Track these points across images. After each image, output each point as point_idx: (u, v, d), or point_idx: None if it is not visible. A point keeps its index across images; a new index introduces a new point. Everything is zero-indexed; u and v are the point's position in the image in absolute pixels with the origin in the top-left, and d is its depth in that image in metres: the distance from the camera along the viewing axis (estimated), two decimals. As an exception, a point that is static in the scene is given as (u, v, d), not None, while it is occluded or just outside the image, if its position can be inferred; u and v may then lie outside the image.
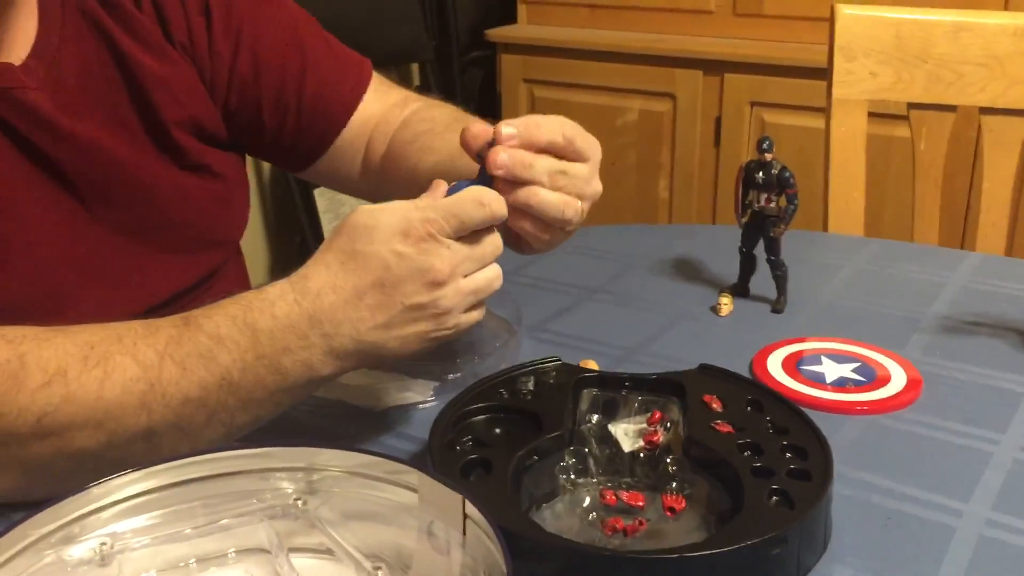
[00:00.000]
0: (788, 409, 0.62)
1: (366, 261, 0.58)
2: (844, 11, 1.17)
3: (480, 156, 0.65)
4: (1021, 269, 0.98)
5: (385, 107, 0.90)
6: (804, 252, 1.01)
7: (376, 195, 0.90)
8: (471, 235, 0.61)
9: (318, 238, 2.07)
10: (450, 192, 0.63)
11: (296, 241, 2.19)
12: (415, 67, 2.59)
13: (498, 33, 2.41)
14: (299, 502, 0.52)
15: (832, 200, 1.19)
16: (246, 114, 0.83)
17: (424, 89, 2.48)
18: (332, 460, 0.52)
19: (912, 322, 0.86)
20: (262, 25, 0.82)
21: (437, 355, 0.79)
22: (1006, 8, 1.82)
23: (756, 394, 0.64)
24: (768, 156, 0.86)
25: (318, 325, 0.57)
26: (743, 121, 2.09)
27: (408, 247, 0.58)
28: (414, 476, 0.50)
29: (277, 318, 0.57)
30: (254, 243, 2.23)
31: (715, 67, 2.11)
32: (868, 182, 1.22)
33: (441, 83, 2.53)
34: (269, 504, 0.51)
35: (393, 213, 0.59)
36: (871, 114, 1.20)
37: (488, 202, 0.61)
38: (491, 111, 2.48)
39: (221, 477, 0.51)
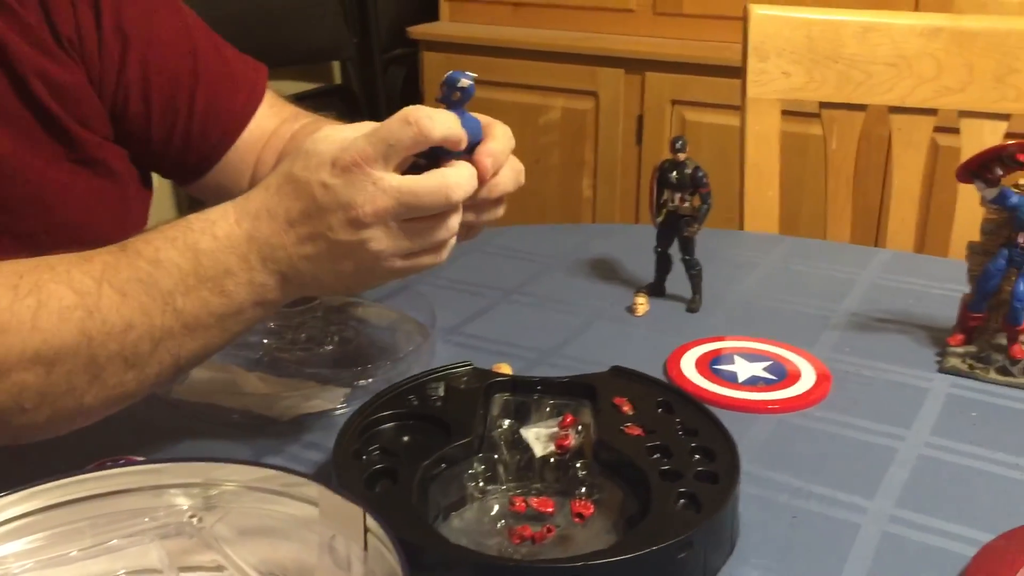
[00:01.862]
0: (698, 410, 0.62)
1: (296, 188, 0.56)
2: (756, 11, 1.18)
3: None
4: (929, 265, 1.01)
5: (277, 122, 0.87)
6: (719, 251, 1.02)
7: None
8: (414, 174, 0.56)
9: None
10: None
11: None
12: (336, 65, 2.56)
13: (420, 31, 2.39)
14: (194, 519, 0.50)
15: (747, 198, 1.20)
16: (133, 121, 0.79)
17: (346, 88, 2.46)
18: (229, 474, 0.50)
19: (823, 319, 0.87)
20: (154, 30, 0.79)
21: (346, 360, 0.78)
22: (916, 9, 1.87)
23: (667, 396, 0.64)
24: (681, 156, 0.86)
25: (256, 248, 0.56)
26: (664, 119, 2.11)
27: (334, 178, 0.55)
28: (314, 489, 0.48)
29: (218, 239, 0.56)
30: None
31: (636, 66, 2.13)
32: (786, 180, 1.24)
33: (363, 81, 2.50)
34: (162, 522, 0.50)
35: (332, 142, 0.56)
36: (790, 112, 1.22)
37: (415, 120, 0.55)
38: (414, 109, 2.46)
39: (111, 495, 0.49)
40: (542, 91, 2.25)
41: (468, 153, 0.60)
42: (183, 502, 0.50)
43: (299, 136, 0.85)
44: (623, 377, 0.67)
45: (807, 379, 0.76)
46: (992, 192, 0.74)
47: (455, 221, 0.58)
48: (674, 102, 2.10)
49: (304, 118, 0.88)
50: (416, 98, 2.44)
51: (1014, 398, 0.73)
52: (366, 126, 0.58)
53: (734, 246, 1.05)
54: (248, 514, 0.50)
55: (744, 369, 0.77)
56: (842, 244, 1.18)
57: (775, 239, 1.08)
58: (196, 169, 0.85)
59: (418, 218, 0.56)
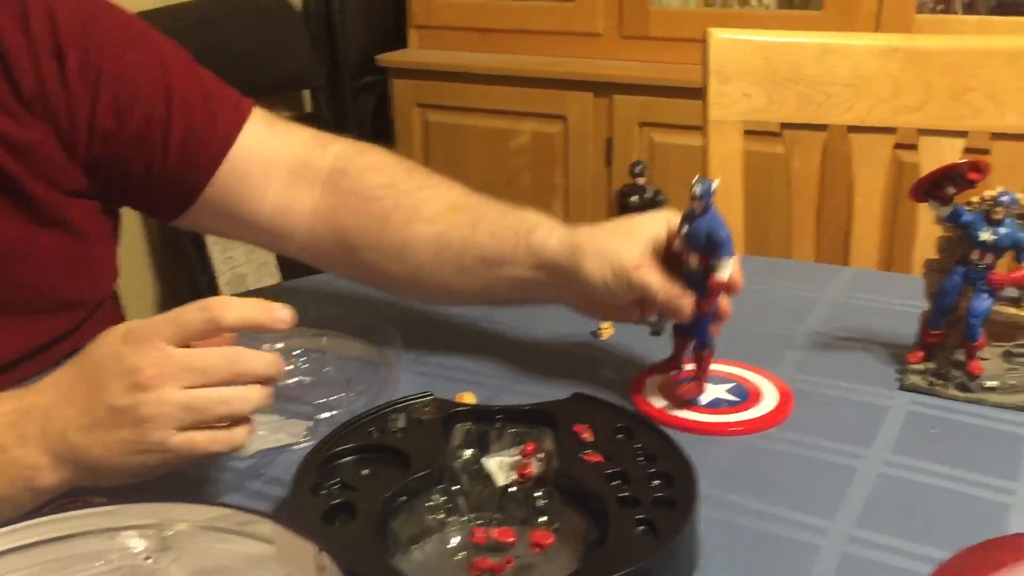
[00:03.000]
0: (657, 435, 0.63)
1: (84, 359, 0.58)
2: (716, 35, 1.20)
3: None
4: (891, 282, 1.02)
5: (283, 144, 0.85)
6: (684, 273, 1.02)
7: (313, 251, 0.86)
8: (204, 346, 0.59)
9: (207, 272, 2.01)
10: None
11: (184, 277, 2.13)
12: (306, 94, 2.56)
13: (389, 58, 2.40)
14: (149, 560, 0.50)
15: (713, 203, 1.21)
16: (110, 165, 0.79)
17: (316, 116, 2.46)
18: (183, 514, 0.50)
19: (786, 339, 0.87)
20: (125, 66, 0.78)
21: (309, 393, 0.78)
22: (877, 30, 1.90)
23: (627, 421, 0.65)
24: (641, 180, 0.87)
25: (35, 420, 0.56)
26: (633, 141, 2.13)
27: (123, 347, 0.57)
28: (268, 527, 0.48)
29: (1, 415, 0.57)
30: (141, 280, 2.16)
31: (605, 89, 2.15)
32: (753, 200, 1.25)
33: (333, 109, 2.51)
34: (116, 565, 0.49)
35: (134, 321, 0.59)
36: (756, 132, 1.24)
37: (210, 307, 0.58)
38: (384, 136, 2.47)
39: (63, 539, 0.49)
40: (512, 116, 2.27)
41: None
42: (137, 544, 0.50)
43: (351, 173, 0.83)
44: (584, 403, 0.67)
45: (770, 400, 0.76)
46: (945, 210, 0.75)
47: (241, 401, 0.59)
48: (642, 124, 2.12)
49: (334, 143, 0.86)
50: (387, 125, 2.44)
51: (973, 414, 0.73)
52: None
53: (699, 268, 1.05)
54: (203, 554, 0.49)
55: (707, 391, 0.77)
56: (806, 263, 1.19)
57: (739, 260, 1.08)
58: (181, 201, 0.83)
59: (204, 388, 0.57)
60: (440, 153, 2.36)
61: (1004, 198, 0.72)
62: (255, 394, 0.60)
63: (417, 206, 0.81)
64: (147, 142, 0.79)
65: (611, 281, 0.73)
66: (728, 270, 0.70)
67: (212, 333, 0.59)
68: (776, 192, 1.72)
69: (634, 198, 0.87)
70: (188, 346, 0.58)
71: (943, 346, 0.78)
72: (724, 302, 0.73)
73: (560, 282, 0.76)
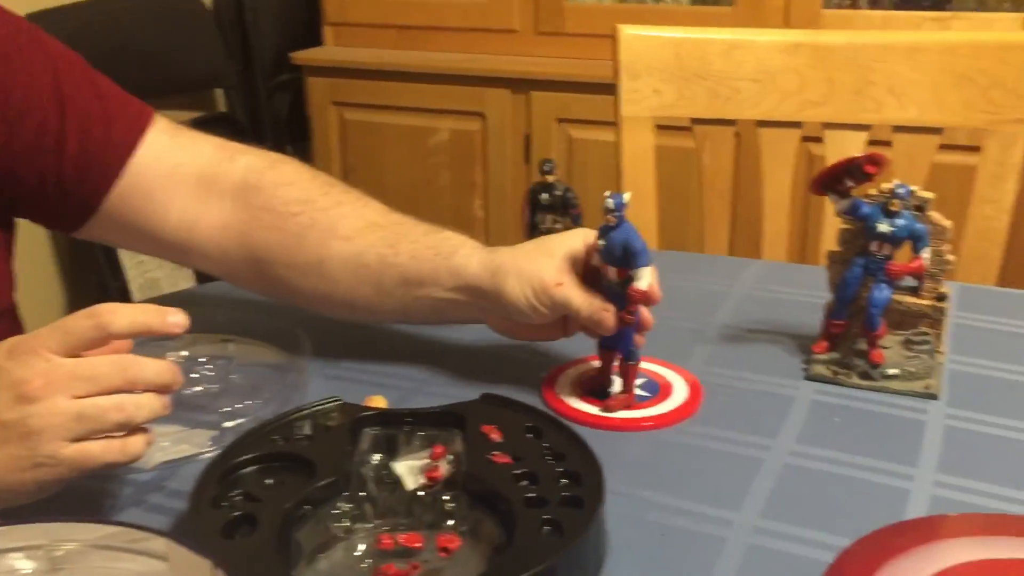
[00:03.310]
0: (566, 434, 0.63)
1: None
2: (626, 32, 1.21)
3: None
4: (799, 274, 1.04)
5: (189, 156, 0.82)
6: (597, 269, 1.03)
7: (223, 267, 0.84)
8: (94, 355, 0.58)
9: (118, 278, 1.96)
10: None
11: (94, 283, 2.07)
12: (220, 93, 2.51)
13: (304, 56, 2.37)
14: (37, 583, 0.48)
15: (626, 215, 1.22)
16: (1, 177, 0.76)
17: (230, 116, 2.41)
18: (73, 533, 0.48)
19: (696, 333, 0.89)
20: (14, 74, 0.75)
21: (215, 401, 0.76)
22: (786, 25, 1.94)
23: (536, 420, 0.64)
24: (551, 178, 0.87)
25: None
26: (551, 138, 2.14)
27: (7, 361, 0.55)
28: (161, 543, 0.47)
29: None
30: (47, 288, 2.10)
31: (522, 85, 2.15)
32: (668, 195, 1.26)
33: (248, 108, 2.47)
34: (2, 589, 0.47)
35: (17, 336, 0.57)
36: (669, 127, 1.25)
37: (97, 313, 0.57)
38: (301, 135, 2.43)
39: (-56, 565, 0.46)
40: (429, 113, 2.26)
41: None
42: (26, 565, 0.48)
43: (263, 187, 0.81)
44: (494, 404, 0.67)
45: (679, 394, 0.77)
46: (844, 204, 0.77)
47: (135, 407, 0.58)
48: (560, 120, 2.13)
49: (244, 154, 0.84)
50: (303, 123, 2.41)
51: (875, 401, 0.75)
52: None
53: (612, 263, 1.06)
54: (94, 574, 0.48)
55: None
56: (717, 257, 1.21)
57: (653, 254, 1.09)
58: (79, 214, 0.81)
59: (96, 397, 0.56)
60: (358, 152, 2.33)
61: (900, 191, 0.74)
62: (150, 401, 0.58)
63: (334, 223, 0.80)
64: (40, 153, 0.76)
65: (534, 301, 0.73)
66: (647, 279, 0.72)
67: (102, 341, 0.57)
68: (691, 187, 1.74)
69: (544, 196, 0.88)
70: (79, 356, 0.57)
71: (846, 336, 0.80)
72: (644, 312, 0.75)
73: (481, 303, 0.77)
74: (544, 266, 0.74)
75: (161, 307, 0.61)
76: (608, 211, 0.70)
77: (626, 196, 0.71)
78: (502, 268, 0.75)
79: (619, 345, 0.75)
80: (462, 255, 0.77)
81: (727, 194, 1.27)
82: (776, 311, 0.93)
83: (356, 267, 0.79)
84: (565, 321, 0.78)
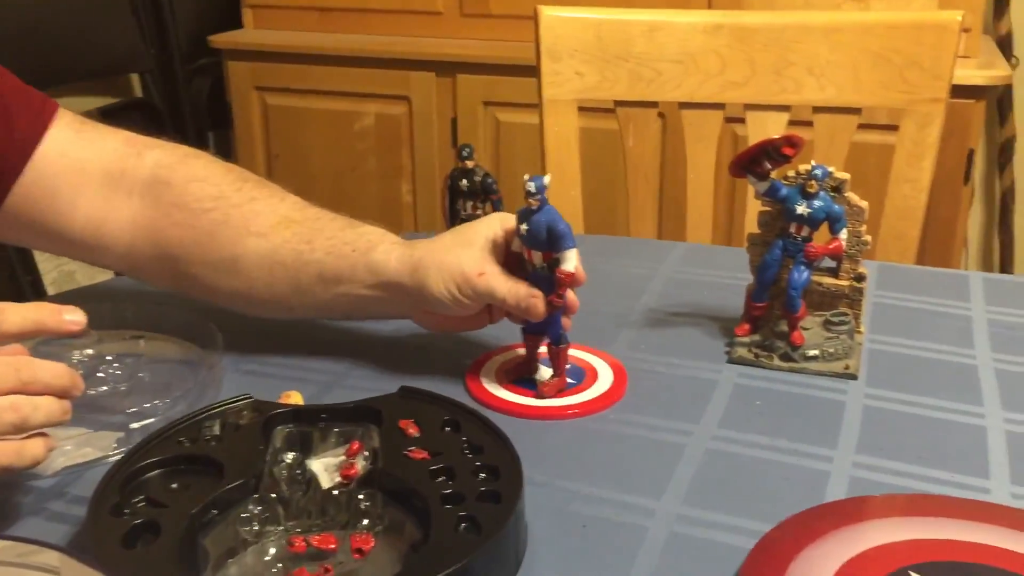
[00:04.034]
0: (484, 426, 0.61)
1: None
2: (547, 13, 1.19)
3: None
4: (722, 256, 1.04)
5: (94, 151, 0.79)
6: (521, 255, 1.01)
7: (134, 265, 0.81)
8: None
9: (30, 272, 1.89)
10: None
11: (4, 278, 1.99)
12: (136, 79, 2.43)
13: (223, 39, 2.30)
14: (-82, 605, 0.45)
15: (550, 200, 1.21)
16: None
17: (147, 101, 2.34)
18: (-43, 550, 0.45)
19: (621, 317, 0.88)
20: None
21: (121, 401, 0.73)
22: (710, 6, 1.94)
23: (453, 413, 0.63)
24: (469, 163, 0.85)
25: None
26: (478, 121, 2.12)
27: None
28: (54, 556, 0.44)
29: None
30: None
31: (447, 68, 2.12)
32: (595, 178, 1.26)
33: (165, 94, 2.39)
34: None
35: None
36: (594, 109, 1.23)
37: None
38: (222, 121, 2.37)
39: None
40: (354, 97, 2.22)
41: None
42: (-94, 586, 0.45)
43: (174, 183, 0.78)
44: (411, 397, 0.65)
45: (604, 381, 0.76)
46: (763, 185, 0.77)
47: (31, 407, 0.55)
48: (486, 103, 2.11)
49: (153, 148, 0.81)
50: (224, 109, 2.35)
51: (797, 383, 0.75)
52: None
53: (537, 249, 1.05)
54: (-19, 592, 0.45)
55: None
56: (642, 240, 1.20)
57: (578, 238, 1.08)
58: None
59: None
60: (282, 138, 2.28)
61: (817, 171, 0.74)
62: (48, 404, 0.56)
63: (248, 219, 0.78)
64: None
65: (457, 294, 0.72)
66: (574, 261, 0.71)
67: None
68: (617, 169, 1.74)
69: (464, 182, 0.86)
70: None
71: (768, 318, 0.80)
72: (570, 295, 0.74)
73: (403, 299, 0.76)
74: (464, 257, 0.72)
75: (57, 305, 0.58)
76: (529, 195, 0.69)
77: (546, 178, 0.70)
78: (422, 263, 0.73)
79: (547, 329, 0.74)
80: (381, 251, 0.75)
81: (652, 177, 1.27)
82: (700, 294, 0.93)
83: (271, 264, 0.77)
84: (490, 309, 0.77)
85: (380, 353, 0.81)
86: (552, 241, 0.70)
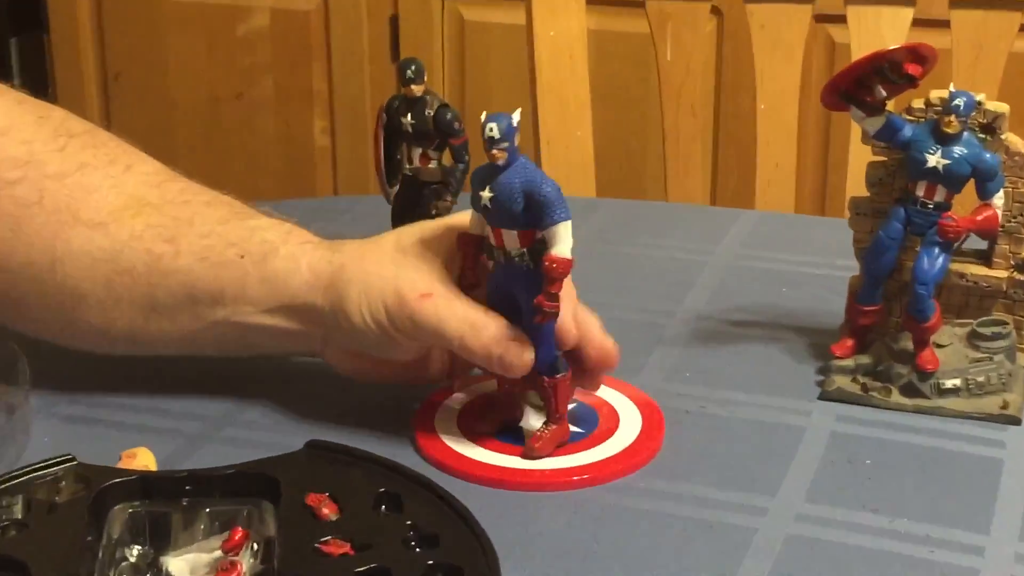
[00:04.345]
0: (441, 503, 0.62)
1: None
2: None
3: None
4: (810, 230, 1.06)
5: None
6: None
7: None
8: None
9: None
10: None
11: None
12: None
13: None
14: None
15: (545, 140, 1.22)
16: None
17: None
18: None
19: (655, 328, 0.90)
20: None
21: None
22: None
23: (392, 484, 0.64)
24: (417, 89, 0.85)
25: None
26: (432, 21, 2.13)
27: None
28: None
29: None
30: None
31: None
32: (614, 110, 1.27)
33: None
34: None
35: None
36: (612, 2, 1.23)
37: None
38: (30, 20, 2.38)
39: None
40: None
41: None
42: None
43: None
44: (325, 457, 0.66)
45: (628, 429, 0.77)
46: (874, 122, 0.77)
47: None
48: (444, -8, 2.13)
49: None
50: (36, 14, 2.35)
51: (928, 431, 0.76)
52: None
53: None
54: None
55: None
56: (686, 206, 1.21)
57: (588, 204, 1.09)
58: None
59: None
60: (125, 47, 2.28)
61: (958, 101, 0.74)
62: None
63: (75, 199, 0.79)
64: None
65: (385, 322, 0.72)
66: (569, 240, 0.70)
67: None
68: (649, 97, 1.75)
69: (408, 117, 0.86)
70: None
71: (882, 330, 0.81)
72: (595, 328, 0.75)
73: (312, 329, 0.77)
74: (404, 268, 0.73)
75: None
76: (492, 143, 0.69)
77: (515, 116, 0.69)
78: (343, 273, 0.74)
79: (535, 353, 0.73)
80: (283, 256, 0.76)
81: (702, 108, 1.27)
82: (775, 292, 0.94)
83: (111, 274, 0.78)
84: (434, 357, 0.78)
85: (278, 385, 0.82)
86: (533, 213, 0.70)
